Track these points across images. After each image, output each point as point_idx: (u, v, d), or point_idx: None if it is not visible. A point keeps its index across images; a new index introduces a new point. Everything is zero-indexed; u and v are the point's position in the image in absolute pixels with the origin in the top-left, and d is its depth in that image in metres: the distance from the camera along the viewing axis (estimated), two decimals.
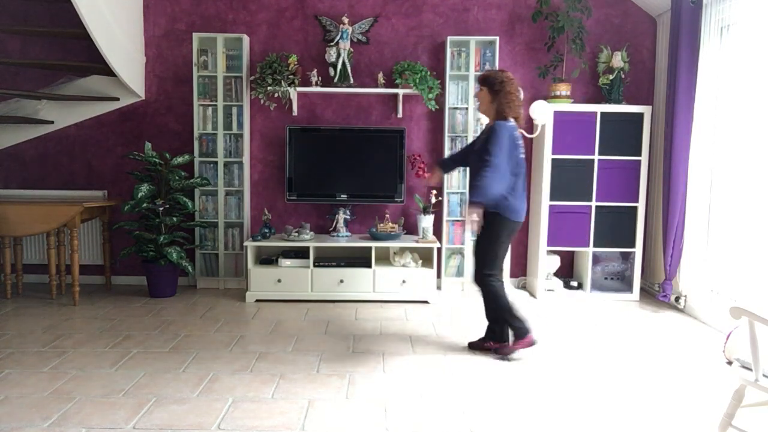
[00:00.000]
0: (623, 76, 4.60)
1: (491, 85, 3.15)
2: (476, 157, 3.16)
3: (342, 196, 4.66)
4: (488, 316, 3.36)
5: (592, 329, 3.83)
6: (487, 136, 3.10)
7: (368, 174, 4.65)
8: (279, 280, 4.39)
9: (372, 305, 4.36)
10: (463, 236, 4.77)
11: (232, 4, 4.73)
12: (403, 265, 4.47)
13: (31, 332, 3.61)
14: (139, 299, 4.44)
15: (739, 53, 3.78)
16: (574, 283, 4.75)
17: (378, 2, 4.74)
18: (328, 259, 4.50)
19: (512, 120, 3.14)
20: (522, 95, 3.47)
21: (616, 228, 4.56)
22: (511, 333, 3.27)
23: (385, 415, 2.54)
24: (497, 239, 3.17)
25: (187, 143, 4.75)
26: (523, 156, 3.18)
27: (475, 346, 3.39)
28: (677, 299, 4.31)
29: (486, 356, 3.28)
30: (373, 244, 4.43)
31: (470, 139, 4.69)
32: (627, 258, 4.75)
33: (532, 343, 3.24)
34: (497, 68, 3.41)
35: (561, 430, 2.43)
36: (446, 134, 4.68)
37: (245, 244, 4.46)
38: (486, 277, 3.21)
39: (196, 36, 4.59)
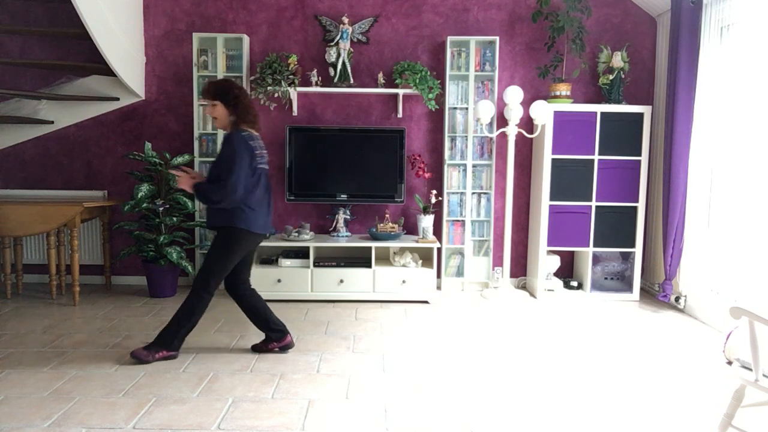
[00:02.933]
0: (623, 76, 4.59)
1: (225, 99, 3.01)
2: (214, 167, 3.02)
3: (342, 196, 4.66)
4: (251, 320, 3.27)
5: (592, 329, 3.83)
6: (222, 151, 2.99)
7: (368, 174, 4.65)
8: (279, 280, 4.39)
9: (372, 305, 4.36)
10: (463, 236, 4.77)
11: (232, 4, 4.73)
12: (403, 265, 4.47)
13: (31, 332, 3.61)
14: (139, 299, 4.43)
15: (739, 53, 3.78)
16: (574, 283, 4.75)
17: (378, 2, 4.74)
18: (328, 259, 4.50)
19: (248, 130, 3.04)
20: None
21: (616, 228, 4.56)
22: (162, 343, 3.11)
23: (385, 415, 2.54)
24: (231, 251, 3.04)
25: (187, 143, 4.75)
26: (265, 167, 3.09)
27: (258, 348, 3.30)
28: (677, 299, 4.31)
29: (477, 357, 3.28)
30: (373, 244, 4.43)
31: (470, 139, 4.69)
32: (627, 258, 4.75)
33: (174, 356, 3.15)
34: (227, 78, 3.33)
35: (561, 430, 2.43)
36: (446, 134, 4.68)
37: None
38: (201, 289, 3.05)
39: (196, 36, 4.59)
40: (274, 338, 3.26)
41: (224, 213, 3.01)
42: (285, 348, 3.29)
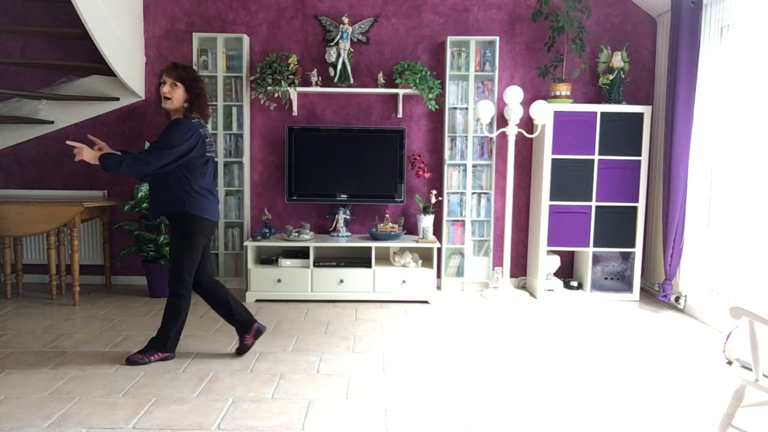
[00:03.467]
0: (623, 76, 4.59)
1: (184, 82, 3.00)
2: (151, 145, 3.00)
3: (342, 196, 4.66)
4: (221, 314, 3.24)
5: (592, 329, 3.83)
6: (165, 129, 2.98)
7: (368, 174, 4.65)
8: (279, 280, 4.39)
9: (372, 305, 4.36)
10: (463, 236, 4.78)
11: (232, 4, 4.73)
12: (403, 265, 4.47)
13: (31, 332, 3.61)
14: (139, 299, 4.43)
15: (739, 53, 3.78)
16: (574, 283, 4.75)
17: (378, 2, 4.74)
18: (328, 259, 4.50)
19: (198, 118, 3.04)
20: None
21: (616, 228, 4.56)
22: (155, 346, 3.11)
23: (385, 415, 2.54)
24: (194, 241, 3.02)
25: None
26: (212, 155, 3.10)
27: (240, 351, 3.24)
28: (677, 299, 4.31)
29: (477, 357, 3.28)
30: (373, 244, 4.43)
31: (470, 139, 4.69)
32: (627, 258, 4.75)
33: (170, 358, 3.15)
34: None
35: (561, 430, 2.43)
36: (446, 134, 4.68)
37: (245, 244, 4.46)
38: (183, 283, 3.05)
39: (196, 36, 4.59)
40: (244, 330, 3.22)
41: (174, 198, 2.97)
42: (257, 335, 3.24)
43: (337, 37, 4.60)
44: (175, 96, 3.01)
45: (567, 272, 4.98)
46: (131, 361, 3.07)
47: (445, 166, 4.71)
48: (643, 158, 4.50)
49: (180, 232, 3.04)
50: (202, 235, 3.07)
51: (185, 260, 3.04)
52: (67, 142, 3.10)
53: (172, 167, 2.94)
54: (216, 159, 3.16)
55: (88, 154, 2.97)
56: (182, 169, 2.97)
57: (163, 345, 3.12)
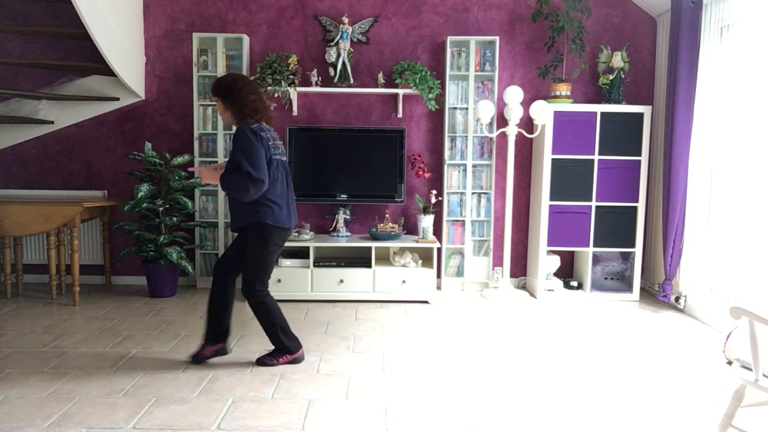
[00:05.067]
0: (623, 76, 4.59)
1: (219, 93, 2.97)
2: (229, 163, 2.93)
3: (342, 196, 4.66)
4: (209, 311, 3.13)
5: (592, 329, 3.83)
6: (233, 146, 2.91)
7: (368, 174, 4.65)
8: (279, 280, 4.39)
9: (372, 305, 4.36)
10: (463, 236, 4.77)
11: (232, 4, 4.73)
12: (403, 265, 4.47)
13: (31, 332, 3.61)
14: (139, 299, 4.44)
15: (739, 53, 3.78)
16: (574, 283, 4.75)
17: (378, 2, 4.74)
18: (328, 259, 4.50)
19: (257, 123, 2.96)
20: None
21: (616, 228, 4.56)
22: (282, 349, 3.10)
23: (385, 415, 2.54)
24: (266, 250, 2.98)
25: (187, 143, 4.75)
26: (281, 158, 3.01)
27: (197, 358, 3.15)
28: (677, 299, 4.31)
29: (477, 357, 3.28)
30: (373, 244, 4.43)
31: (470, 139, 4.69)
32: (627, 258, 4.75)
33: (300, 358, 3.14)
34: (231, 72, 3.10)
35: (561, 430, 2.43)
36: (446, 134, 4.68)
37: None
38: (258, 293, 3.01)
39: (196, 36, 4.59)
40: (212, 341, 3.12)
41: (249, 211, 2.94)
42: (217, 353, 3.14)
43: (337, 37, 4.60)
44: (219, 110, 3.03)
45: (567, 272, 4.98)
46: (261, 361, 3.11)
47: (445, 166, 4.72)
48: (643, 158, 4.50)
49: (255, 241, 2.97)
50: (276, 244, 3.02)
51: (259, 270, 3.00)
52: (191, 169, 3.19)
53: (271, 172, 2.91)
54: (285, 159, 3.07)
55: (209, 176, 2.98)
56: None
57: (285, 346, 3.08)
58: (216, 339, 3.14)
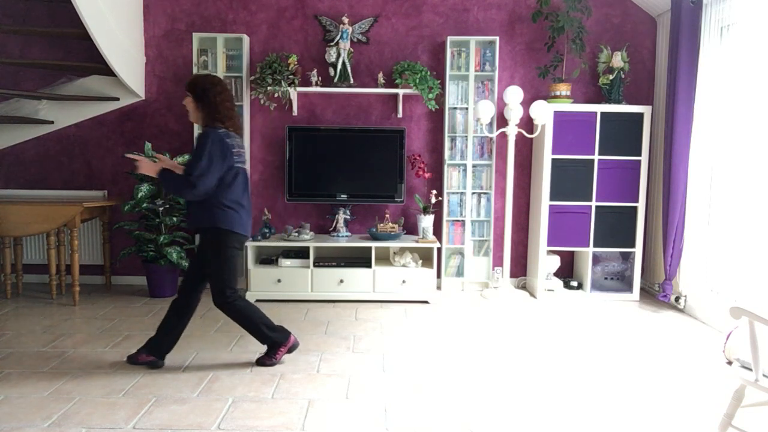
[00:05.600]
0: (623, 76, 4.59)
1: (194, 92, 2.94)
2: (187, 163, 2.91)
3: (342, 196, 4.66)
4: (168, 318, 3.07)
5: (592, 329, 3.83)
6: (195, 146, 2.91)
7: (368, 174, 4.65)
8: (279, 280, 4.39)
9: (372, 305, 4.36)
10: (463, 236, 4.77)
11: (232, 4, 4.73)
12: (403, 265, 4.47)
13: (31, 332, 3.61)
14: (139, 299, 4.43)
15: (739, 53, 3.78)
16: (574, 283, 4.75)
17: (378, 2, 4.74)
18: (328, 259, 4.50)
19: (224, 129, 2.93)
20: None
21: (616, 228, 4.56)
22: (273, 346, 3.09)
23: (385, 415, 2.54)
24: (227, 254, 2.96)
25: (187, 143, 4.75)
26: (243, 166, 3.00)
27: (132, 359, 3.09)
28: (677, 299, 4.31)
29: (477, 357, 3.28)
30: (373, 244, 4.43)
31: (470, 139, 4.69)
32: (627, 258, 4.75)
33: (295, 345, 3.14)
34: (210, 74, 3.05)
35: (561, 430, 2.43)
36: (446, 134, 4.68)
37: (245, 244, 4.45)
38: (229, 298, 2.98)
39: (196, 36, 4.59)
40: (151, 350, 3.06)
41: (206, 213, 2.93)
42: (151, 364, 3.05)
43: (337, 37, 4.60)
44: (188, 106, 3.00)
45: (567, 272, 4.98)
46: (261, 362, 3.10)
47: (445, 166, 4.71)
48: (643, 158, 4.50)
49: (213, 248, 2.96)
50: (234, 248, 3.00)
51: (224, 276, 2.97)
52: (127, 155, 3.11)
53: (229, 179, 2.91)
54: (246, 168, 3.07)
55: (147, 167, 2.95)
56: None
57: (276, 342, 3.07)
58: (158, 349, 3.06)
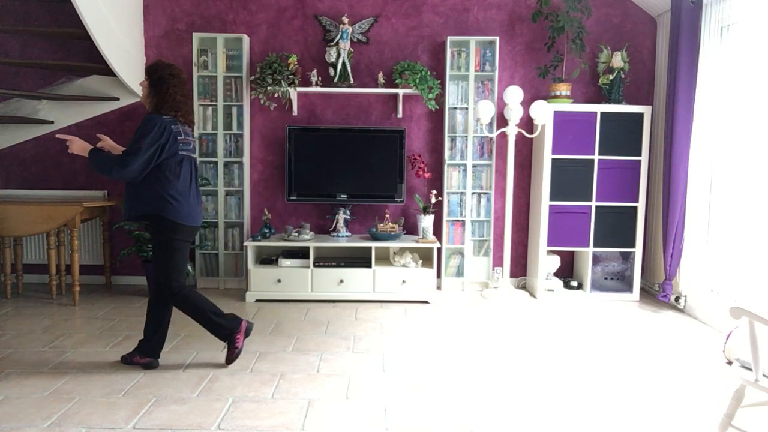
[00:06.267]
0: (623, 76, 4.59)
1: (150, 77, 2.94)
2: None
3: (342, 196, 4.66)
4: (150, 322, 3.04)
5: (592, 329, 3.83)
6: (137, 127, 2.87)
7: (368, 174, 4.65)
8: (279, 280, 4.39)
9: (372, 305, 4.36)
10: (463, 236, 4.77)
11: (232, 4, 4.73)
12: (403, 265, 4.47)
13: (31, 332, 3.61)
14: (139, 299, 4.43)
15: (739, 53, 3.78)
16: (574, 283, 4.75)
17: (378, 2, 4.74)
18: (328, 259, 4.50)
19: (169, 116, 2.91)
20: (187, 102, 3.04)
21: (616, 228, 4.56)
22: (220, 335, 3.04)
23: (385, 415, 2.54)
24: (173, 246, 2.92)
25: None
26: (190, 155, 2.97)
27: (125, 358, 3.10)
28: (677, 299, 4.31)
29: (477, 357, 3.28)
30: (373, 244, 4.42)
31: (470, 139, 4.69)
32: (627, 258, 4.75)
33: (249, 328, 3.09)
34: (171, 64, 3.02)
35: (561, 430, 2.43)
36: (446, 134, 4.68)
37: (245, 244, 4.46)
38: (176, 289, 2.94)
39: (196, 36, 4.59)
40: (143, 351, 3.05)
41: (147, 200, 2.88)
42: (148, 366, 3.04)
43: (337, 37, 4.60)
44: (144, 92, 2.98)
45: (567, 272, 4.98)
46: (229, 359, 3.06)
47: (445, 166, 4.72)
48: (643, 158, 4.50)
49: (158, 238, 2.93)
50: (181, 239, 2.96)
51: (168, 267, 2.93)
52: (57, 135, 3.06)
53: (151, 166, 2.84)
54: (194, 157, 3.05)
55: (77, 146, 2.91)
56: (155, 169, 2.85)
57: (230, 330, 3.02)
58: (154, 351, 3.05)
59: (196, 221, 3.01)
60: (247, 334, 3.10)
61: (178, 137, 2.90)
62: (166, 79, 2.92)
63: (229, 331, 3.03)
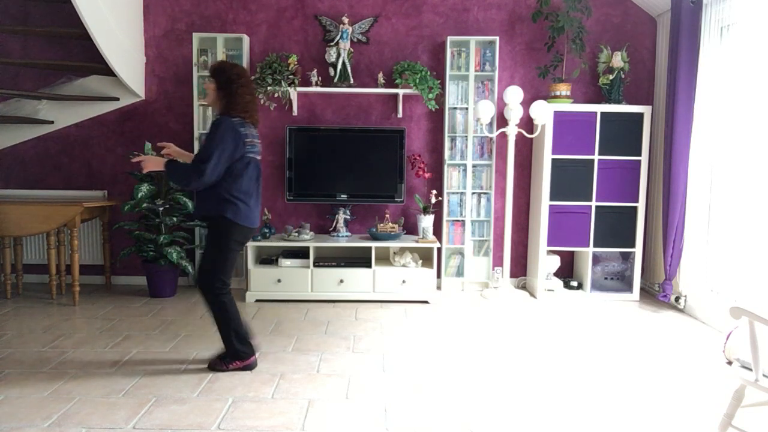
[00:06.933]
0: (623, 76, 4.59)
1: (218, 80, 2.92)
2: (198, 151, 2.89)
3: (342, 196, 4.66)
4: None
5: (592, 329, 3.83)
6: (208, 132, 2.88)
7: (368, 174, 4.65)
8: (279, 280, 4.39)
9: (372, 305, 4.36)
10: (463, 236, 4.77)
11: (232, 4, 4.73)
12: (403, 265, 4.47)
13: (31, 332, 3.61)
14: (139, 299, 4.43)
15: (739, 53, 3.78)
16: (574, 283, 4.75)
17: (378, 2, 4.74)
18: (328, 259, 4.50)
19: (239, 117, 2.92)
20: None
21: (616, 228, 4.56)
22: (232, 354, 3.01)
23: (385, 415, 2.54)
24: (227, 246, 2.93)
25: (187, 143, 4.75)
26: (256, 157, 2.98)
27: (213, 365, 3.06)
28: (677, 299, 4.31)
29: (477, 357, 3.29)
30: (373, 244, 4.42)
31: (470, 139, 4.69)
32: (627, 258, 4.75)
33: (253, 365, 3.04)
34: (236, 64, 3.03)
35: (561, 430, 2.43)
36: (446, 134, 4.68)
37: (249, 238, 4.45)
38: (216, 289, 2.94)
39: (196, 36, 4.59)
40: (234, 355, 3.03)
41: (212, 202, 2.90)
42: (248, 368, 3.04)
43: (337, 37, 4.60)
44: (211, 94, 2.97)
45: (567, 272, 4.98)
46: (211, 366, 3.02)
47: (445, 166, 4.71)
48: (643, 158, 4.50)
49: (214, 236, 2.94)
50: (236, 241, 2.96)
51: (216, 264, 2.93)
52: (133, 160, 3.02)
53: (223, 170, 2.85)
54: (259, 159, 3.04)
55: (153, 163, 2.90)
56: (223, 172, 2.87)
57: (237, 353, 2.98)
58: (249, 347, 3.05)
59: (254, 223, 3.02)
60: (246, 368, 3.03)
61: (246, 140, 2.90)
62: (234, 80, 2.91)
63: (234, 355, 3.01)
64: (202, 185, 2.84)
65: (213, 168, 2.78)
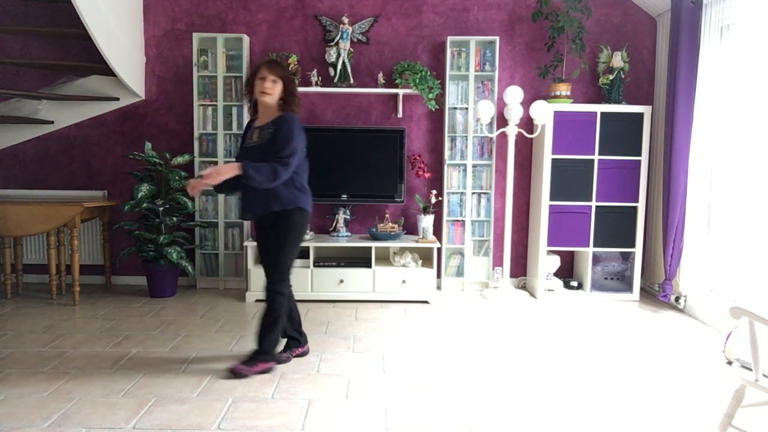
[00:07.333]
0: (623, 76, 4.59)
1: (282, 76, 2.98)
2: (267, 151, 2.90)
3: (342, 196, 4.66)
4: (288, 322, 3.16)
5: (593, 329, 3.83)
6: (279, 129, 2.91)
7: (368, 174, 4.65)
8: None
9: (372, 305, 4.36)
10: (463, 236, 4.77)
11: (232, 4, 4.73)
12: (403, 265, 4.47)
13: (31, 332, 3.61)
14: (139, 299, 4.43)
15: (739, 53, 3.78)
16: (574, 283, 4.75)
17: (378, 2, 4.74)
18: (328, 259, 4.50)
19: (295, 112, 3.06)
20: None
21: (616, 228, 4.56)
22: (264, 353, 2.99)
23: (385, 415, 2.54)
24: (301, 236, 3.07)
25: (187, 143, 4.75)
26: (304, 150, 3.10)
27: (284, 359, 3.15)
28: (677, 299, 4.31)
29: (477, 357, 3.28)
30: (373, 244, 4.42)
31: (470, 139, 4.69)
32: (627, 258, 4.75)
33: (268, 370, 3.01)
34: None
35: (561, 430, 2.43)
36: (446, 134, 4.68)
37: (245, 244, 4.46)
38: (283, 288, 2.98)
39: (196, 36, 4.59)
40: (294, 344, 3.23)
41: (288, 196, 2.95)
42: (302, 354, 3.24)
43: (337, 37, 4.60)
44: (275, 92, 2.98)
45: (567, 272, 4.98)
46: (235, 371, 2.93)
47: (445, 166, 4.71)
48: (643, 158, 4.50)
49: (288, 230, 2.97)
50: (305, 230, 3.11)
51: (291, 257, 3.00)
52: (203, 173, 2.85)
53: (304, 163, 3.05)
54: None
55: (226, 171, 2.81)
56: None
57: (266, 355, 3.00)
58: (297, 339, 3.23)
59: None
60: (265, 371, 3.00)
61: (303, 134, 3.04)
62: (292, 78, 3.07)
63: (261, 356, 2.98)
64: (283, 180, 2.91)
65: (293, 161, 2.91)
